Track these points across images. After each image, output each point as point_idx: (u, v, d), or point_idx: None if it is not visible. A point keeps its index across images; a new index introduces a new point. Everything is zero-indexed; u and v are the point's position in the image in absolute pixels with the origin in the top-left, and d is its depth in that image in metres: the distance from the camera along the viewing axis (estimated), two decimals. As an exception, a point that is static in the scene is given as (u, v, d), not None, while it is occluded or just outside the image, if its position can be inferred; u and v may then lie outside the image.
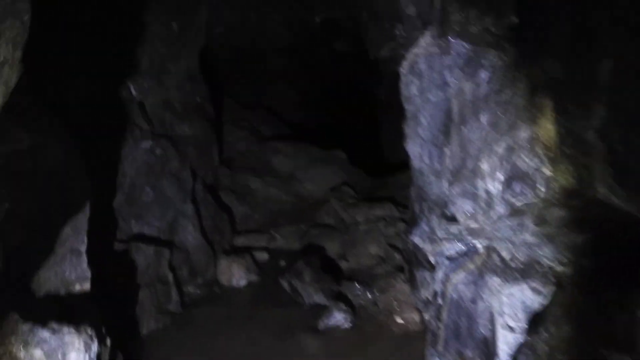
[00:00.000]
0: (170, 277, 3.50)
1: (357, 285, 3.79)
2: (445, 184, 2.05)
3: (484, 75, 1.82)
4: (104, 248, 3.04)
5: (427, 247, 2.63)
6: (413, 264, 2.99)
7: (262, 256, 4.60)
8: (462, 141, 1.92)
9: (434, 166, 2.14)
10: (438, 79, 2.02)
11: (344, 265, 4.36)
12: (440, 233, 2.25)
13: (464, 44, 1.86)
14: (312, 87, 8.70)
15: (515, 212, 1.78)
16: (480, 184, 1.84)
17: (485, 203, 1.86)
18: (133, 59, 3.54)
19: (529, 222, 1.85)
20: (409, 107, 2.33)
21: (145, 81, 3.74)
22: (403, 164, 7.83)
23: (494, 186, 1.80)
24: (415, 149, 2.31)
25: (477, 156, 1.84)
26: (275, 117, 7.99)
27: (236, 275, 4.09)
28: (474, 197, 1.89)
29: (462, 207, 1.94)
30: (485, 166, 1.80)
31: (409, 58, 2.23)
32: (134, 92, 3.64)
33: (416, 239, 2.70)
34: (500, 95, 1.75)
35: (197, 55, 4.74)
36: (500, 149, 1.75)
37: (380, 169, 8.17)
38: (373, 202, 5.20)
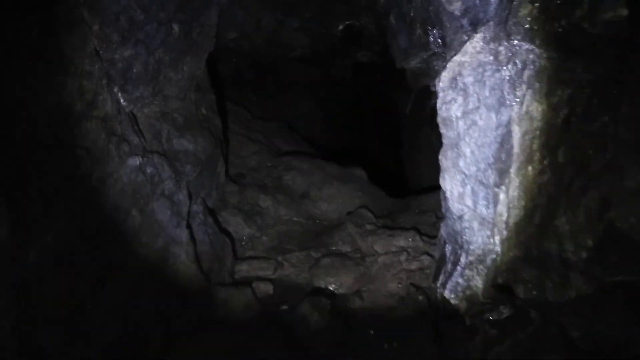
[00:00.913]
0: (152, 312, 2.99)
1: (372, 333, 3.22)
2: (496, 238, 1.50)
3: (566, 94, 1.27)
4: (69, 284, 2.56)
5: (461, 305, 2.07)
6: (440, 321, 2.42)
7: (266, 288, 4.06)
8: (529, 185, 1.36)
9: (480, 211, 1.60)
10: (491, 97, 1.49)
11: (357, 304, 3.80)
12: (484, 296, 1.68)
13: (537, 49, 1.32)
14: (331, 99, 8.23)
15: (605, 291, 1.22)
16: (553, 248, 1.28)
17: (559, 274, 1.29)
18: (120, 64, 3.08)
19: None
20: (447, 133, 1.80)
21: (137, 89, 3.28)
22: (427, 184, 7.28)
23: (577, 254, 1.24)
24: (454, 187, 1.77)
25: (553, 209, 1.29)
26: (290, 131, 7.52)
27: (233, 311, 3.56)
28: (541, 263, 1.33)
29: (523, 274, 1.38)
30: (564, 224, 1.24)
31: (450, 69, 1.71)
32: (122, 101, 3.18)
33: (446, 292, 2.15)
34: (591, 124, 1.20)
35: (204, 61, 4.28)
36: (593, 202, 1.19)
37: (402, 189, 7.62)
38: (394, 230, 4.63)
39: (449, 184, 1.85)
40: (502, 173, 1.52)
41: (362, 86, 8.33)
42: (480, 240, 1.68)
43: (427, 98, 8.15)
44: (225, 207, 5.12)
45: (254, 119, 7.20)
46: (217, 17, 4.31)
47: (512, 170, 1.46)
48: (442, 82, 1.82)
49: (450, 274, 2.10)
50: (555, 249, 1.28)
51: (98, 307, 2.63)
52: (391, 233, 4.56)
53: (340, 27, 6.07)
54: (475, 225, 1.69)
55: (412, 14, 2.68)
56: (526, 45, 1.39)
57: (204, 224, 3.96)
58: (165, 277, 3.30)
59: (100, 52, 2.98)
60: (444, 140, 1.87)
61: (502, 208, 1.50)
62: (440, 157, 1.90)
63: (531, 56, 1.38)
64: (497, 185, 1.54)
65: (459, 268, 2.00)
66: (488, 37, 1.57)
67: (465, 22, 1.83)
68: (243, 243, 4.90)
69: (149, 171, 3.34)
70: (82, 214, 2.81)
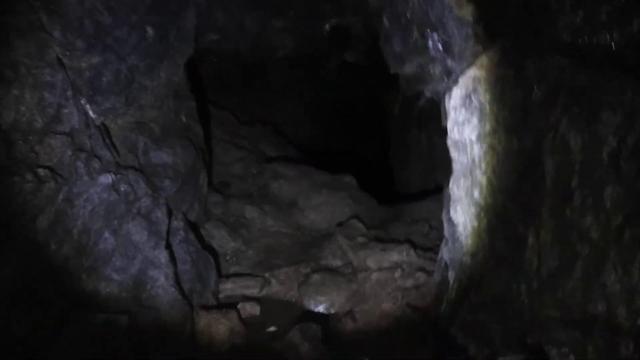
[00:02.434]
0: (127, 350, 2.71)
1: (367, 361, 2.98)
2: (522, 288, 1.27)
3: (614, 122, 1.05)
4: (26, 326, 2.27)
5: (469, 345, 1.84)
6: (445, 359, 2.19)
7: (252, 309, 3.80)
8: (566, 229, 1.14)
9: (499, 251, 1.36)
10: (512, 117, 1.25)
11: (350, 326, 3.56)
12: (503, 344, 1.45)
13: (577, 66, 1.09)
14: (318, 102, 7.98)
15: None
16: (599, 309, 1.06)
17: (605, 339, 1.07)
18: (87, 73, 2.79)
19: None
20: (460, 158, 1.56)
21: (108, 100, 2.99)
22: (417, 188, 7.08)
23: (631, 320, 1.02)
24: (468, 220, 1.52)
25: (598, 262, 1.07)
26: (277, 135, 7.25)
27: (217, 338, 3.30)
28: (583, 325, 1.11)
29: (559, 334, 1.16)
30: (614, 283, 1.02)
31: (463, 85, 1.47)
32: (91, 113, 2.89)
33: (452, 329, 1.92)
34: (639, 158, 0.98)
35: (183, 66, 3.99)
36: (638, 264, 0.97)
37: (391, 192, 7.40)
38: (387, 244, 4.40)
39: (462, 216, 1.62)
40: (529, 211, 1.30)
41: (349, 87, 8.10)
42: (498, 283, 1.46)
43: (415, 99, 7.96)
44: (208, 219, 4.84)
45: (239, 123, 6.92)
46: (196, 18, 4.03)
47: (544, 210, 1.24)
48: (454, 99, 1.58)
49: (456, 309, 1.87)
50: (602, 310, 1.07)
51: (60, 351, 2.35)
52: (384, 247, 4.33)
53: (327, 27, 5.82)
54: (492, 264, 1.47)
55: (408, 16, 2.44)
56: (562, 61, 1.16)
57: (185, 242, 3.69)
58: (142, 306, 3.02)
59: (64, 60, 2.69)
60: (456, 166, 1.63)
61: (531, 254, 1.28)
62: (451, 185, 1.67)
63: (567, 74, 1.16)
64: (524, 225, 1.32)
65: (467, 304, 1.78)
66: (509, 49, 1.34)
67: (480, 29, 1.59)
68: (228, 258, 4.63)
69: (123, 189, 3.05)
70: (44, 243, 2.52)
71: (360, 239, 4.60)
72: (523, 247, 1.32)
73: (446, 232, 2.18)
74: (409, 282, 3.79)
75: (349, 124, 8.91)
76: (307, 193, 5.61)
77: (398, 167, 8.09)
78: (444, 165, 5.77)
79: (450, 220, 1.79)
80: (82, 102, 2.84)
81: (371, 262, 4.18)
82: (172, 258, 3.38)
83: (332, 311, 3.82)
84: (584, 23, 1.08)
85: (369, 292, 3.87)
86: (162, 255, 3.25)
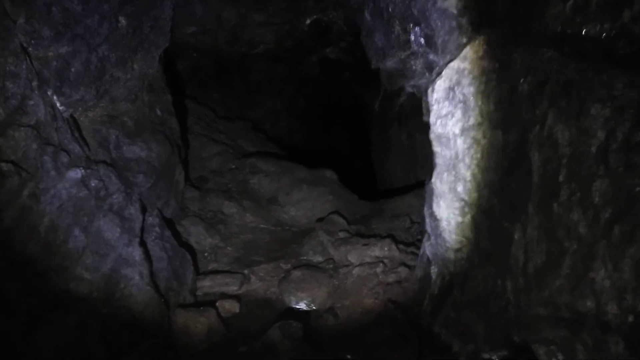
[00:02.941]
0: (101, 353, 2.60)
1: (348, 358, 2.94)
2: (508, 284, 1.24)
3: (603, 115, 1.01)
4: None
5: (453, 342, 1.81)
6: (428, 355, 2.16)
7: (232, 307, 3.71)
8: (553, 225, 1.10)
9: (484, 246, 1.33)
10: (498, 111, 1.21)
11: (331, 322, 3.51)
12: (487, 343, 1.42)
13: (566, 58, 1.05)
14: (298, 97, 7.89)
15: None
16: (588, 306, 1.03)
17: (594, 337, 1.04)
18: (54, 63, 2.66)
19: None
20: (443, 152, 1.51)
21: (77, 91, 2.86)
22: (398, 183, 7.09)
23: (621, 317, 0.99)
24: (451, 215, 1.48)
25: (587, 258, 1.03)
26: (256, 131, 7.15)
27: (195, 337, 3.21)
28: (572, 323, 1.08)
29: (546, 333, 1.12)
30: (603, 279, 0.99)
31: (447, 77, 1.42)
32: (59, 105, 2.76)
33: (435, 327, 1.89)
34: (638, 153, 0.94)
35: (158, 58, 3.86)
36: (628, 259, 0.94)
37: (371, 188, 7.39)
38: (369, 239, 4.37)
39: (445, 211, 1.58)
40: (515, 206, 1.27)
41: (329, 84, 8.04)
42: (482, 279, 1.42)
43: (396, 95, 7.95)
44: (185, 215, 4.73)
45: (217, 118, 6.79)
46: (172, 10, 3.90)
47: (530, 205, 1.21)
48: (437, 92, 1.53)
49: (440, 305, 1.84)
50: (591, 308, 1.04)
51: (31, 352, 2.23)
52: (366, 242, 4.29)
53: (308, 22, 5.73)
54: (477, 260, 1.43)
55: (390, 10, 2.39)
56: (550, 53, 1.12)
57: (160, 239, 3.58)
58: (115, 306, 2.91)
59: (29, 49, 2.55)
60: (438, 161, 1.58)
61: (517, 250, 1.24)
62: (433, 179, 1.62)
63: (556, 66, 1.12)
64: (510, 221, 1.28)
65: (451, 301, 1.75)
66: (494, 41, 1.30)
67: (464, 21, 1.54)
68: (206, 254, 4.53)
69: (93, 184, 2.93)
70: (8, 241, 2.39)
71: (341, 234, 4.56)
72: (509, 243, 1.28)
73: (428, 227, 2.15)
74: (391, 278, 3.76)
75: (330, 120, 8.86)
76: (287, 188, 5.54)
77: (379, 163, 8.09)
78: (425, 161, 5.78)
79: (432, 215, 1.75)
80: (49, 93, 2.70)
81: (352, 258, 4.14)
82: (147, 256, 3.27)
83: (313, 307, 3.77)
84: (573, 13, 1.04)
85: (350, 288, 3.83)
86: (136, 253, 3.14)
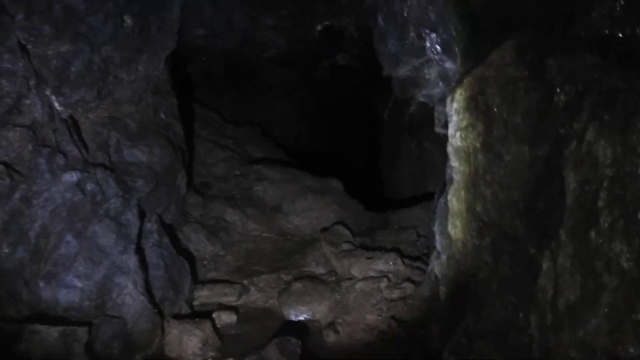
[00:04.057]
0: (88, 365, 2.47)
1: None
2: (532, 318, 1.09)
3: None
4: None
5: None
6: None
7: (229, 319, 3.58)
8: (590, 255, 0.96)
9: (504, 272, 1.18)
10: (525, 124, 1.07)
11: (331, 338, 3.36)
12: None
13: (611, 65, 0.91)
14: (308, 104, 7.78)
15: None
16: (631, 350, 0.88)
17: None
18: (54, 61, 2.56)
19: None
20: (461, 167, 1.37)
21: (77, 92, 2.75)
22: (406, 194, 6.92)
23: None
24: (468, 237, 1.34)
25: (631, 296, 0.89)
26: (264, 136, 7.04)
27: (188, 350, 3.07)
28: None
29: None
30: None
31: (468, 85, 1.28)
32: (57, 105, 2.65)
33: (445, 354, 1.73)
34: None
35: (164, 60, 3.76)
36: None
37: (379, 198, 7.23)
38: (373, 252, 4.21)
39: (461, 232, 1.44)
40: (543, 231, 1.12)
41: (339, 90, 7.93)
42: (501, 308, 1.28)
43: (406, 104, 7.81)
44: (186, 221, 4.61)
45: (226, 123, 6.69)
46: (181, 11, 3.80)
47: (562, 231, 1.07)
48: (457, 101, 1.40)
49: (450, 331, 1.69)
50: (635, 355, 0.90)
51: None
52: (370, 255, 4.14)
53: (319, 27, 5.63)
54: (495, 286, 1.29)
55: (405, 15, 2.27)
56: (592, 59, 0.99)
57: (158, 246, 3.45)
58: (106, 316, 2.78)
59: (28, 46, 2.45)
60: (456, 176, 1.44)
61: (545, 281, 1.10)
62: (449, 197, 1.48)
63: (598, 74, 0.98)
64: (536, 247, 1.13)
65: (463, 328, 1.60)
66: (524, 45, 1.16)
67: (489, 24, 1.41)
68: (205, 263, 4.40)
69: (89, 188, 2.82)
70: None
71: (345, 246, 4.41)
72: (535, 272, 1.14)
73: (439, 246, 2.01)
74: (396, 294, 3.61)
75: (339, 127, 8.74)
76: (292, 197, 5.40)
77: (387, 171, 7.94)
78: (435, 173, 5.63)
79: (445, 234, 1.61)
80: (47, 93, 2.60)
81: (356, 271, 3.99)
82: (143, 263, 3.15)
83: (314, 322, 3.62)
84: (625, 12, 0.90)
85: (352, 303, 3.68)
86: (131, 261, 3.02)
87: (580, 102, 1.04)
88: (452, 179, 1.51)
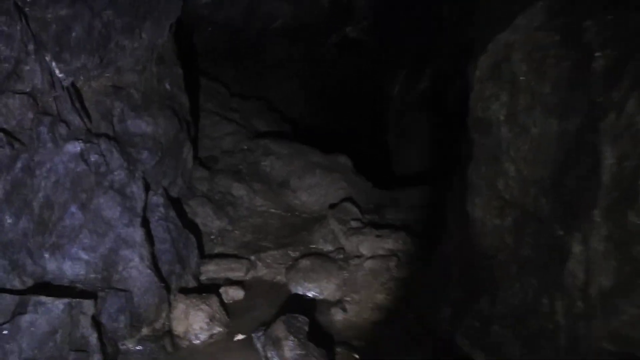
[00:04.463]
0: (93, 339, 2.45)
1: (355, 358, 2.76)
2: (558, 304, 1.01)
3: None
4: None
5: (476, 356, 1.60)
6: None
7: (236, 294, 3.55)
8: (627, 238, 0.87)
9: (525, 254, 1.10)
10: (554, 94, 0.97)
11: (339, 317, 3.32)
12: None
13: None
14: (315, 79, 7.61)
15: None
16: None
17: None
18: (54, 26, 2.45)
19: None
20: (482, 140, 1.28)
21: (78, 58, 2.66)
22: (415, 171, 6.83)
23: None
24: (487, 215, 1.25)
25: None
26: (271, 111, 6.91)
27: (195, 325, 3.05)
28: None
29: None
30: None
31: (492, 52, 1.17)
32: (58, 72, 2.56)
33: (457, 337, 1.67)
34: None
35: (168, 29, 3.64)
36: None
37: (388, 176, 7.13)
38: (382, 229, 4.14)
39: (480, 210, 1.35)
40: (573, 211, 1.04)
41: (347, 65, 7.74)
42: (520, 292, 1.20)
43: (416, 80, 7.62)
44: (193, 195, 4.55)
45: (231, 96, 6.56)
46: (185, -23, 3.66)
47: (597, 211, 0.98)
48: (479, 69, 1.30)
49: (462, 313, 1.62)
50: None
51: (11, 342, 2.08)
52: (379, 233, 4.07)
53: (328, -2, 5.44)
54: (514, 269, 1.20)
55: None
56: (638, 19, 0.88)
57: (164, 219, 3.40)
58: (113, 289, 2.75)
59: (25, 9, 2.35)
60: (476, 150, 1.34)
61: (575, 265, 1.01)
62: (469, 172, 1.38)
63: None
64: (565, 228, 1.04)
65: (477, 310, 1.53)
66: (556, 7, 1.05)
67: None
68: (212, 237, 4.36)
69: (93, 159, 2.75)
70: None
71: (354, 223, 4.34)
72: (563, 256, 1.06)
73: (453, 224, 1.92)
74: (405, 273, 3.55)
75: (346, 103, 8.57)
76: (299, 172, 5.31)
77: (395, 148, 7.81)
78: (447, 149, 5.50)
79: (462, 212, 1.53)
80: (47, 59, 2.51)
81: (365, 249, 3.93)
82: (149, 237, 3.10)
83: (321, 299, 3.59)
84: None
85: (361, 281, 3.63)
86: (137, 234, 2.97)
87: (622, 69, 0.94)
88: (471, 154, 1.41)
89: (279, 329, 2.69)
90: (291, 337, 2.59)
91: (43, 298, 2.24)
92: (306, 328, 2.75)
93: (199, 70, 6.28)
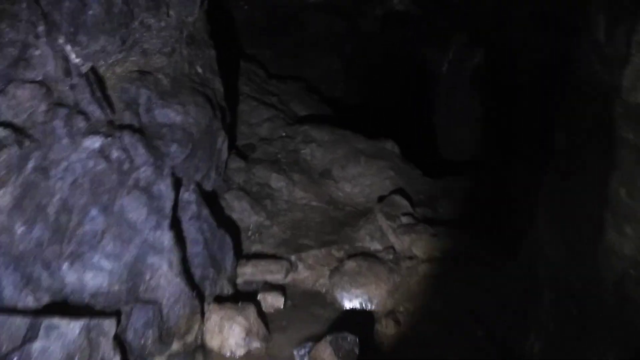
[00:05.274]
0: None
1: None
2: None
3: None
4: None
5: None
6: None
7: (276, 302, 3.22)
8: None
9: None
10: None
11: (392, 330, 2.93)
12: None
13: None
14: (358, 56, 7.10)
15: None
16: None
17: None
18: (67, 3, 2.10)
19: None
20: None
21: (96, 40, 2.31)
22: (465, 156, 6.25)
23: None
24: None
25: None
26: (310, 93, 6.47)
27: (231, 340, 2.73)
28: None
29: None
30: None
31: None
32: (74, 57, 2.22)
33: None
34: None
35: (199, 5, 3.25)
36: None
37: (438, 166, 6.56)
38: (438, 227, 3.68)
39: (632, 244, 0.91)
40: None
41: (392, 41, 7.17)
42: None
43: (467, 57, 6.98)
44: (228, 188, 4.22)
45: (269, 78, 6.16)
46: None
47: None
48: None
49: (559, 351, 1.18)
50: None
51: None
52: (434, 231, 3.61)
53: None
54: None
55: None
56: None
57: (197, 218, 3.08)
58: (139, 301, 2.45)
59: (32, -17, 2.00)
60: (630, 155, 0.90)
61: None
62: (615, 185, 0.94)
63: None
64: None
65: (593, 348, 1.10)
66: None
67: None
68: (249, 234, 4.03)
69: (115, 155, 2.42)
70: (6, 224, 1.94)
71: (404, 219, 3.89)
72: None
73: (548, 241, 1.47)
74: (468, 280, 3.09)
75: (391, 82, 8.00)
76: (342, 161, 4.88)
77: (445, 130, 7.23)
78: (508, 133, 4.94)
79: (573, 229, 1.08)
80: (60, 41, 2.16)
81: (418, 250, 3.49)
82: (179, 240, 2.78)
83: (370, 308, 3.20)
84: None
85: (415, 288, 3.20)
86: (166, 238, 2.65)
87: None
88: (620, 158, 0.95)
89: (325, 351, 2.32)
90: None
91: (56, 320, 1.95)
92: (356, 351, 2.39)
93: (234, 50, 5.90)
